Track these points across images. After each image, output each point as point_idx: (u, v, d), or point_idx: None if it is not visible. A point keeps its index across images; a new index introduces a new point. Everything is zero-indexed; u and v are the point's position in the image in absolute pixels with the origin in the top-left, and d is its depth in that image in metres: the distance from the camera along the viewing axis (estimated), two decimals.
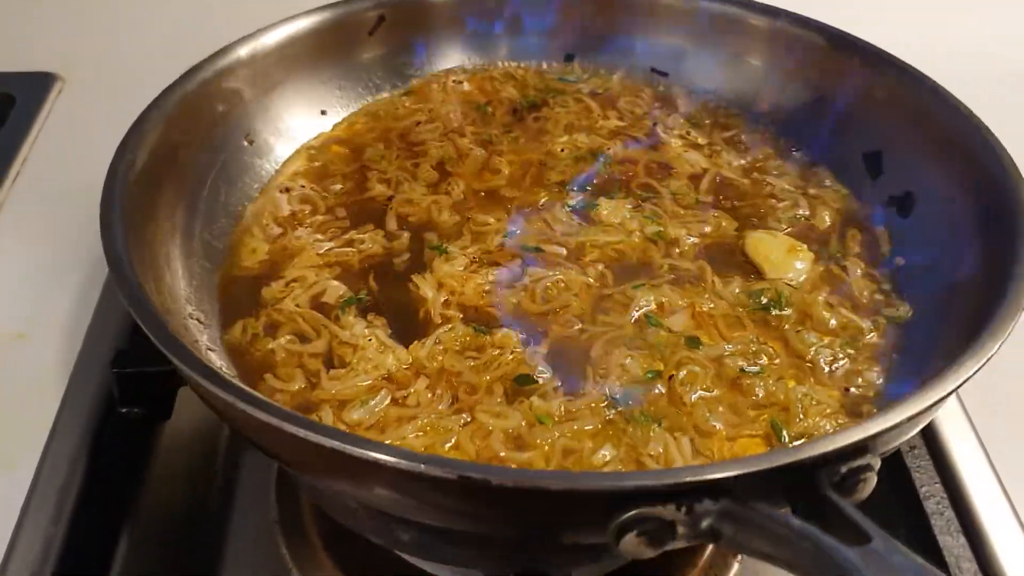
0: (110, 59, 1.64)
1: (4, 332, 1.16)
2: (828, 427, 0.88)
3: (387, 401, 0.91)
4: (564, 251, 1.07)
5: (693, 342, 0.96)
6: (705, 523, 0.66)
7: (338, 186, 1.18)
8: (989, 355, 0.77)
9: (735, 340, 0.96)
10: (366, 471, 0.70)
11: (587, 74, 1.37)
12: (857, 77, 1.18)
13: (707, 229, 1.11)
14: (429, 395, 0.92)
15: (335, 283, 1.03)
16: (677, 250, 1.08)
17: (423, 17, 1.33)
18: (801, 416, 0.89)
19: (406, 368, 0.94)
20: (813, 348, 0.96)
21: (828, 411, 0.90)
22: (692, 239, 1.09)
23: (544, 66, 1.38)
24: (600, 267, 1.05)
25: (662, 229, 1.10)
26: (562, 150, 1.23)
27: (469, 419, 0.89)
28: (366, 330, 0.97)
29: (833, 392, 0.92)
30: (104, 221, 0.89)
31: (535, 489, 0.66)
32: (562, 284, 1.02)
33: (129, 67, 1.58)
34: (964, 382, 0.75)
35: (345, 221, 1.13)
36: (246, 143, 1.19)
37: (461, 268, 1.05)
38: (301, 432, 0.69)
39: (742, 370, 0.93)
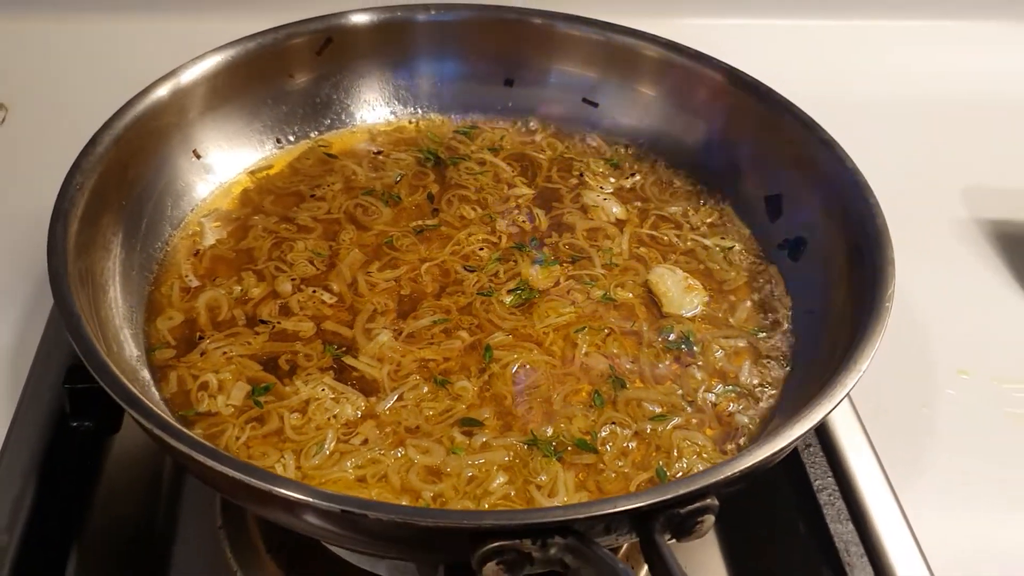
0: (53, 89, 1.71)
1: None
2: (701, 467, 1.02)
3: (334, 442, 1.02)
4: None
5: (619, 382, 1.10)
6: (555, 555, 0.80)
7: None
8: (824, 415, 0.91)
9: (657, 389, 1.10)
10: (284, 505, 0.83)
11: (503, 121, 1.46)
12: (758, 120, 1.29)
13: (638, 281, 1.22)
14: (377, 432, 1.03)
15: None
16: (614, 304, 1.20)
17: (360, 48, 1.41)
18: (677, 456, 1.03)
19: (361, 415, 1.05)
20: (701, 388, 1.10)
21: (704, 454, 1.04)
22: (630, 295, 1.20)
23: (457, 119, 1.46)
24: (560, 342, 1.14)
25: (606, 292, 1.20)
26: (481, 248, 1.25)
27: (403, 453, 1.02)
28: (314, 388, 1.07)
29: (708, 431, 1.06)
30: (51, 248, 1.00)
31: (406, 524, 0.80)
32: (528, 367, 1.11)
33: (72, 97, 1.64)
34: (798, 439, 0.89)
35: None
36: (194, 158, 1.28)
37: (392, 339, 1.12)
38: (229, 471, 0.82)
39: (652, 418, 1.06)
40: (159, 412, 0.88)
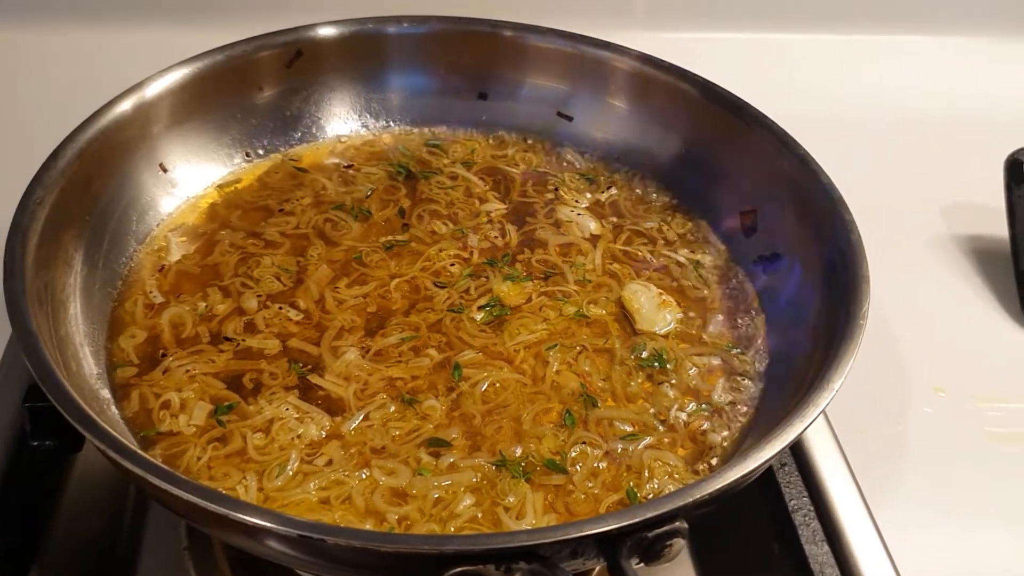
0: (14, 101, 1.69)
1: None
2: (671, 488, 1.00)
3: (298, 463, 1.00)
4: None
5: (591, 400, 1.08)
6: None
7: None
8: (796, 435, 0.90)
9: (629, 408, 1.09)
10: (242, 530, 0.82)
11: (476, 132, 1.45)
12: (733, 134, 1.29)
13: (611, 298, 1.21)
14: (342, 453, 1.02)
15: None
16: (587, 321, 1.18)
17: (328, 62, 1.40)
18: (648, 477, 1.02)
19: (325, 435, 1.03)
20: (674, 406, 1.09)
21: (676, 474, 1.02)
22: (603, 312, 1.19)
23: (429, 133, 1.45)
24: (531, 360, 1.13)
25: (579, 309, 1.19)
26: (452, 264, 1.24)
27: (368, 474, 1.00)
28: (278, 408, 1.05)
29: (680, 451, 1.05)
30: (7, 265, 0.98)
31: (366, 549, 0.79)
32: (498, 385, 1.10)
33: (34, 109, 1.63)
34: (770, 460, 0.88)
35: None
36: (161, 172, 1.27)
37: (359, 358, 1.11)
38: (184, 495, 0.81)
39: (623, 437, 1.05)
40: (115, 434, 0.86)
